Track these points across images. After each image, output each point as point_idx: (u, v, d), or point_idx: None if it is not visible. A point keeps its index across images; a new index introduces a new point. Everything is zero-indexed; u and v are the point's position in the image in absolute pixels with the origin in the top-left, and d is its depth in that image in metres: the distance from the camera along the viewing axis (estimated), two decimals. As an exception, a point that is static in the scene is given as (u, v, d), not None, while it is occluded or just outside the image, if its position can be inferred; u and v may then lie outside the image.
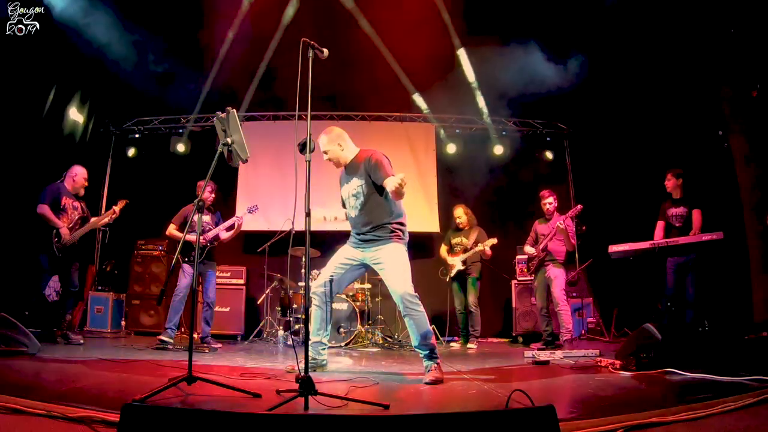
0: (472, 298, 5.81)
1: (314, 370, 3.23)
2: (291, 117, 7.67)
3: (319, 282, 3.31)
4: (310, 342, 3.25)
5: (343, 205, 3.45)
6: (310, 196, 2.37)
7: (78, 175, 5.03)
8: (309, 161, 2.44)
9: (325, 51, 2.59)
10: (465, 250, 5.85)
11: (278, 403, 2.05)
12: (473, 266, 5.86)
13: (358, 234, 3.28)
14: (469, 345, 5.68)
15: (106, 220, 5.06)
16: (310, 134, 2.49)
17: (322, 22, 6.00)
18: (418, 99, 7.16)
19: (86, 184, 5.11)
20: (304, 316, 5.97)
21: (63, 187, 4.96)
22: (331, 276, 3.30)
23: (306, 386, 2.06)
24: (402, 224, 3.23)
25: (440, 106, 7.53)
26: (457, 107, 7.52)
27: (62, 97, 6.36)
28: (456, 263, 5.83)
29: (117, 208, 5.08)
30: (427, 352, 3.04)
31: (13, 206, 5.71)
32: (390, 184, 2.92)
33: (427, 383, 2.87)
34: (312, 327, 3.25)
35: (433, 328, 3.23)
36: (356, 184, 3.22)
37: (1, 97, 5.36)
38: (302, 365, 2.19)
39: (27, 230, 5.42)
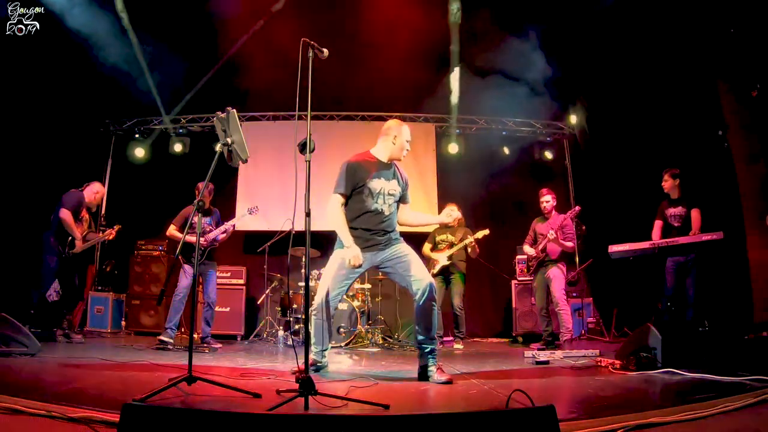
0: (457, 300, 5.71)
1: (317, 371, 3.21)
2: (291, 117, 7.67)
3: (327, 297, 3.16)
4: (313, 351, 3.25)
5: (352, 191, 3.17)
6: (309, 196, 2.37)
7: (99, 192, 5.36)
8: (309, 161, 2.44)
9: (325, 51, 2.59)
10: (451, 246, 5.76)
11: (278, 403, 2.05)
12: (459, 264, 5.78)
13: (377, 233, 3.17)
14: (456, 346, 5.66)
15: (103, 238, 5.40)
16: (310, 134, 2.49)
17: (322, 21, 6.00)
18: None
19: (100, 203, 5.39)
20: (304, 316, 5.98)
21: (83, 197, 5.15)
22: (339, 292, 3.21)
23: (306, 386, 2.06)
24: None
25: (440, 106, 7.54)
26: (457, 107, 7.53)
27: (62, 96, 6.36)
28: (441, 259, 5.71)
29: (114, 231, 5.36)
30: (433, 347, 3.05)
31: (12, 206, 5.72)
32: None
33: (443, 382, 2.84)
34: (316, 338, 3.19)
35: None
36: (397, 188, 3.30)
37: (2, 97, 5.37)
38: (303, 365, 2.19)
39: (26, 231, 5.45)
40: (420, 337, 3.07)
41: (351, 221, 3.21)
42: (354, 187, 3.18)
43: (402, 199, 3.38)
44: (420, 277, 3.09)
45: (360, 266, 3.13)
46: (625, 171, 6.52)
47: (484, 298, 7.65)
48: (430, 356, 3.03)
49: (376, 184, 3.19)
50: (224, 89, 6.90)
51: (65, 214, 4.89)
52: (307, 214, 2.36)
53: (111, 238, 5.37)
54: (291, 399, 2.09)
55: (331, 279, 3.18)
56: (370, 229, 3.19)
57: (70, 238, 4.97)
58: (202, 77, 6.73)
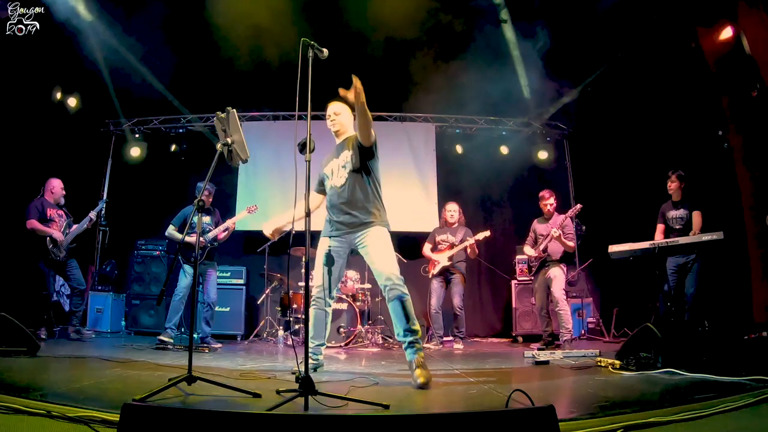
0: (457, 300, 5.70)
1: (314, 370, 3.21)
2: (291, 117, 7.68)
3: (315, 285, 3.20)
4: (310, 345, 3.24)
5: (319, 186, 3.43)
6: (309, 195, 2.37)
7: (55, 187, 5.39)
8: (309, 161, 2.43)
9: (325, 51, 2.58)
10: (452, 247, 5.77)
11: (278, 403, 2.05)
12: (459, 264, 5.77)
13: (338, 217, 3.18)
14: (456, 346, 5.65)
15: (85, 226, 5.44)
16: (310, 134, 2.49)
17: (322, 22, 6.00)
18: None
19: (64, 192, 5.44)
20: (304, 316, 5.97)
21: (45, 200, 5.31)
22: (325, 277, 3.19)
23: (306, 386, 2.06)
24: (380, 208, 3.21)
25: (441, 106, 7.53)
26: (458, 107, 7.52)
27: (62, 97, 6.37)
28: (441, 259, 5.72)
29: (93, 215, 5.43)
30: (412, 338, 2.92)
31: (13, 207, 5.71)
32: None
33: (418, 387, 2.66)
34: (312, 331, 3.20)
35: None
36: (346, 156, 3.23)
37: (2, 97, 5.38)
38: (303, 366, 2.19)
39: (27, 231, 5.47)
40: (396, 331, 3.02)
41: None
42: (320, 181, 3.41)
43: (360, 153, 3.17)
44: (380, 271, 3.02)
45: (331, 248, 3.18)
46: (625, 171, 6.52)
47: (484, 298, 7.65)
48: (410, 349, 2.92)
49: (329, 167, 3.32)
50: (224, 89, 6.91)
51: (30, 224, 5.12)
52: (307, 214, 2.36)
53: (92, 221, 5.47)
54: (291, 399, 2.09)
55: (319, 267, 3.20)
56: (333, 207, 3.24)
57: (48, 237, 5.14)
58: (199, 75, 6.71)
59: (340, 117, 3.37)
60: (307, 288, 2.44)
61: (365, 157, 3.19)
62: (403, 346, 2.98)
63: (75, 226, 5.41)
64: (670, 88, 5.85)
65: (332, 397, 2.17)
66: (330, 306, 3.26)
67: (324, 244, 3.23)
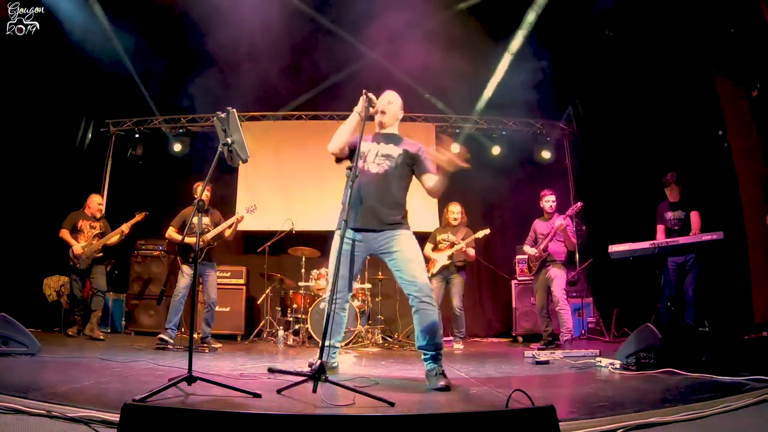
0: (456, 301, 5.68)
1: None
2: (291, 117, 7.68)
3: (337, 288, 2.87)
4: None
5: (347, 158, 3.11)
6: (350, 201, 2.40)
7: (92, 202, 5.81)
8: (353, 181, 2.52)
9: (377, 106, 3.05)
10: (452, 246, 5.73)
11: (290, 384, 2.11)
12: (459, 264, 5.74)
13: (362, 209, 2.88)
14: (456, 346, 5.65)
15: (114, 239, 5.69)
16: (356, 164, 2.54)
17: (321, 24, 6.01)
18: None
19: (101, 208, 5.88)
20: (303, 316, 5.96)
21: (83, 213, 5.75)
22: (348, 280, 2.98)
23: (318, 371, 2.11)
24: (406, 211, 3.05)
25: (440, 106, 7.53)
26: (457, 106, 7.52)
27: (63, 97, 6.36)
28: (440, 258, 5.69)
29: (125, 227, 5.66)
30: (434, 353, 2.81)
31: (14, 207, 5.73)
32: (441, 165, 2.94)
33: (437, 389, 2.61)
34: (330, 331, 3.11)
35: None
36: (396, 152, 3.06)
37: (3, 98, 5.38)
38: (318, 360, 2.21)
39: (28, 230, 5.50)
40: (419, 343, 2.86)
41: None
42: (352, 151, 3.11)
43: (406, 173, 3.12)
44: (411, 281, 2.83)
45: (352, 241, 2.88)
46: (625, 171, 6.52)
47: (484, 298, 7.64)
48: (430, 362, 2.83)
49: (368, 147, 3.13)
50: (224, 89, 6.90)
51: (60, 233, 5.55)
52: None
53: (125, 233, 5.70)
54: (301, 382, 2.15)
55: (332, 264, 2.95)
56: (362, 197, 2.89)
57: (70, 249, 5.55)
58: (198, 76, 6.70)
59: (392, 107, 3.22)
60: (334, 291, 2.48)
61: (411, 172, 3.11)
62: (423, 356, 2.85)
63: (101, 240, 5.67)
64: (671, 87, 5.85)
65: (341, 387, 2.22)
66: (345, 308, 3.07)
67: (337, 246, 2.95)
